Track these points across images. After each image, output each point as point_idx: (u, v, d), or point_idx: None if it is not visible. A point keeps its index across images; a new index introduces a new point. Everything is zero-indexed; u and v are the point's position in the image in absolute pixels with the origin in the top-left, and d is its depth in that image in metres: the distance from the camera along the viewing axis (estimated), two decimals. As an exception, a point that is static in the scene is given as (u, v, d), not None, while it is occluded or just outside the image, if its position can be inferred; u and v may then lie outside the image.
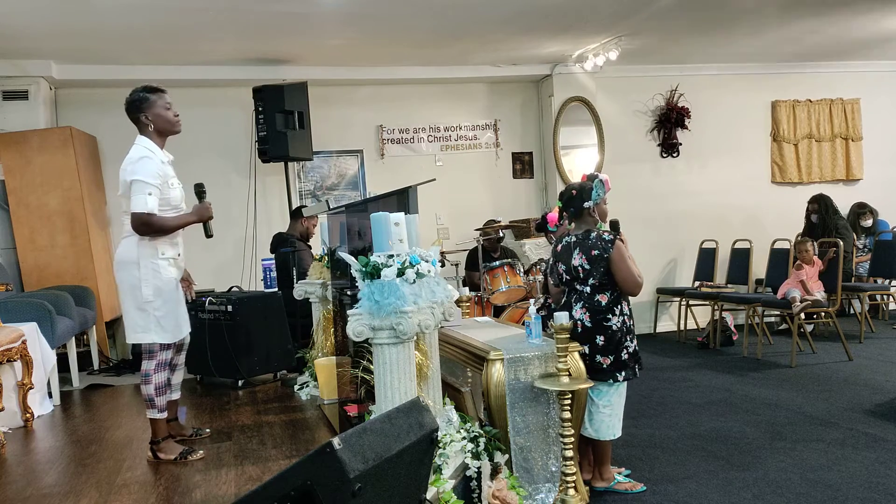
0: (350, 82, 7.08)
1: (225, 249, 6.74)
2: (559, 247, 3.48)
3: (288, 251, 5.99)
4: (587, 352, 3.26)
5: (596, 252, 3.27)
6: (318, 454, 1.65)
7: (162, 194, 3.40)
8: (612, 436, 3.31)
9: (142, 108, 3.44)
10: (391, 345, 2.70)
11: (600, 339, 3.27)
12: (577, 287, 3.35)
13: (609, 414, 3.30)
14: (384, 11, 5.34)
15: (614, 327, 3.28)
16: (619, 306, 3.30)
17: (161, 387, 3.47)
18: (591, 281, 3.30)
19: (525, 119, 7.75)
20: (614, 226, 3.49)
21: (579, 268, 3.32)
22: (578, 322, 3.29)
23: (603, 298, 3.29)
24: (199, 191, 3.62)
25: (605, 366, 3.25)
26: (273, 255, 6.14)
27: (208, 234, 3.65)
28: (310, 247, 6.21)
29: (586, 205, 3.38)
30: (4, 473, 3.52)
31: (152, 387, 3.44)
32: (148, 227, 3.33)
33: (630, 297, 3.38)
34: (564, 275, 3.40)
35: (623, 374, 3.27)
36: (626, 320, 3.32)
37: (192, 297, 3.88)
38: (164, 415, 3.52)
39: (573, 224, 3.45)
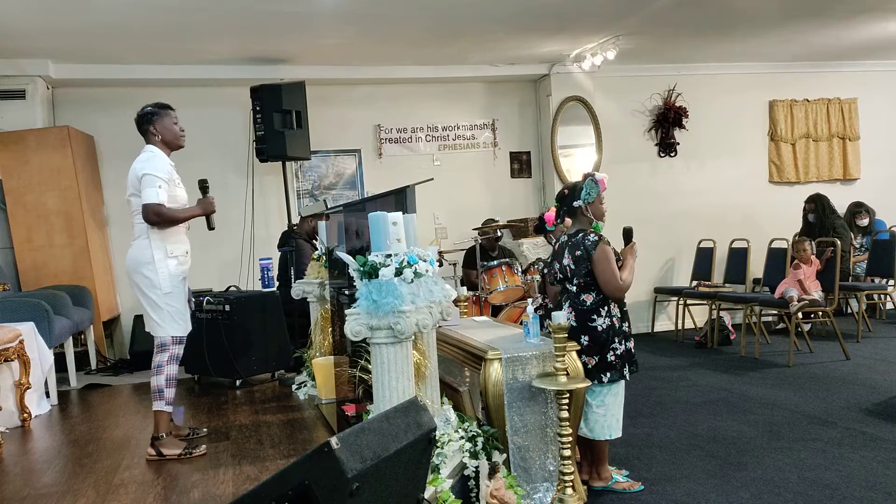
0: (348, 82, 7.08)
1: (223, 249, 6.73)
2: (557, 245, 3.49)
3: (286, 250, 5.98)
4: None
5: (579, 252, 3.29)
6: (316, 454, 1.64)
7: (170, 190, 3.60)
8: (608, 436, 3.31)
9: (151, 120, 3.68)
10: (389, 344, 2.70)
11: (585, 340, 3.27)
12: (567, 286, 3.37)
13: (603, 414, 3.30)
14: (382, 11, 5.34)
15: (599, 328, 3.27)
16: (606, 307, 3.29)
17: (171, 379, 3.59)
18: (576, 281, 3.31)
19: (523, 119, 7.75)
20: (628, 233, 3.50)
21: (567, 267, 3.34)
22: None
23: (588, 298, 3.30)
24: (203, 186, 3.84)
25: (589, 366, 3.25)
26: (277, 252, 6.17)
27: (211, 227, 3.84)
28: (315, 246, 6.20)
29: (576, 204, 3.40)
30: (2, 473, 3.52)
31: (163, 377, 3.57)
32: (159, 216, 3.52)
33: (626, 298, 3.38)
34: (558, 273, 3.42)
35: (608, 375, 3.26)
36: (616, 322, 3.30)
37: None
38: (171, 409, 3.61)
39: (570, 223, 3.47)
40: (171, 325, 3.59)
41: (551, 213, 4.01)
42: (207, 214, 3.76)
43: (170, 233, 3.59)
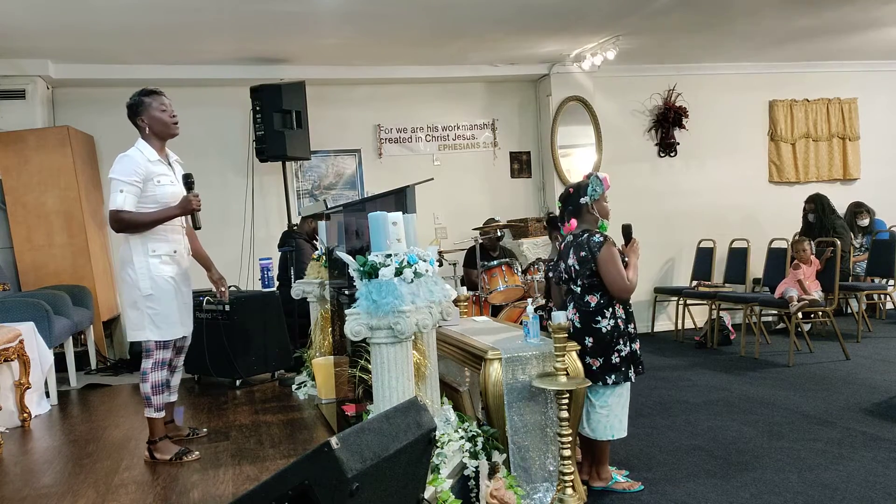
0: (348, 82, 7.08)
1: (223, 249, 6.70)
2: (562, 245, 3.48)
3: (286, 250, 5.98)
4: (577, 353, 3.26)
5: (584, 253, 3.27)
6: (316, 454, 1.64)
7: (147, 191, 3.41)
8: (610, 436, 3.30)
9: (138, 112, 3.47)
10: (389, 344, 2.69)
11: (589, 341, 3.27)
12: (572, 287, 3.36)
13: (606, 414, 3.29)
14: (382, 10, 5.34)
15: (604, 329, 3.26)
16: (610, 308, 3.28)
17: (158, 386, 3.47)
18: (580, 281, 3.30)
19: (523, 119, 7.75)
20: (627, 230, 3.48)
21: (571, 268, 3.32)
22: (570, 322, 3.28)
23: (592, 300, 3.29)
24: (188, 182, 3.57)
25: (594, 368, 3.25)
26: (277, 252, 6.17)
27: (196, 226, 3.63)
28: (315, 246, 6.20)
29: (582, 200, 3.38)
30: (2, 473, 3.51)
31: (149, 385, 3.44)
32: (118, 223, 3.34)
33: (630, 299, 3.37)
34: (563, 274, 3.41)
35: (613, 377, 3.25)
36: (621, 323, 3.29)
37: (223, 297, 3.95)
38: (161, 414, 3.52)
39: (575, 223, 3.45)
40: (151, 328, 3.41)
41: None
42: (188, 213, 3.52)
43: (153, 231, 3.42)
